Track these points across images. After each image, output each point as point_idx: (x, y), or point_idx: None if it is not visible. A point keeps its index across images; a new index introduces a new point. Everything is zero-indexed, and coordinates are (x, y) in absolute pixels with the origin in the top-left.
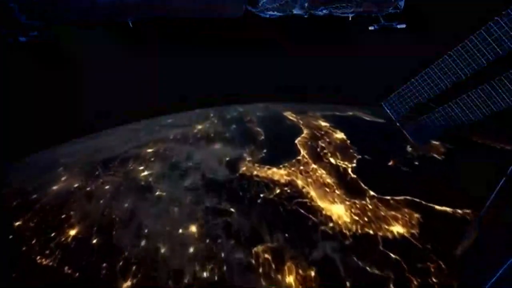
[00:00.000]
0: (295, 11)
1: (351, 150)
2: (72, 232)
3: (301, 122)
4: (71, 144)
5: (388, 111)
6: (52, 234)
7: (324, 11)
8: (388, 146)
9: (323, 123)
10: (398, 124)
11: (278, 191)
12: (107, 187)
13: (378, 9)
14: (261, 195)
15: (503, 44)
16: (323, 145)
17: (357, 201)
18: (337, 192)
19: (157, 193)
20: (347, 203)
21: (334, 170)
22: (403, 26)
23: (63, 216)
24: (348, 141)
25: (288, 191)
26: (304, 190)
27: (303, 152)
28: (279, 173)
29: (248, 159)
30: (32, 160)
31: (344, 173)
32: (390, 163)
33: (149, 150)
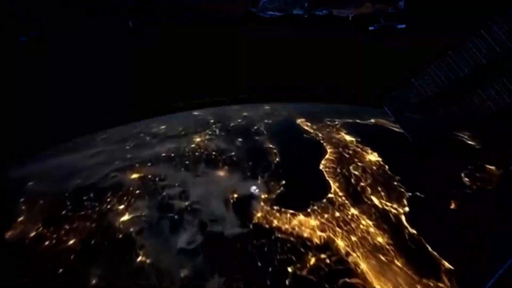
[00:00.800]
0: (295, 11)
1: (395, 182)
2: None
3: (321, 135)
4: (47, 157)
5: (388, 110)
6: None
7: (324, 11)
8: (437, 173)
9: (348, 137)
10: (397, 124)
11: (313, 261)
12: (72, 241)
13: (378, 9)
14: (290, 270)
15: (503, 44)
16: (356, 172)
17: (431, 284)
18: (397, 262)
19: (138, 258)
20: (419, 287)
21: (383, 219)
22: (403, 26)
23: None
24: (387, 167)
25: (328, 261)
26: (350, 258)
27: (334, 185)
28: (309, 224)
29: (263, 196)
30: None
31: (398, 225)
32: (452, 206)
33: (134, 176)
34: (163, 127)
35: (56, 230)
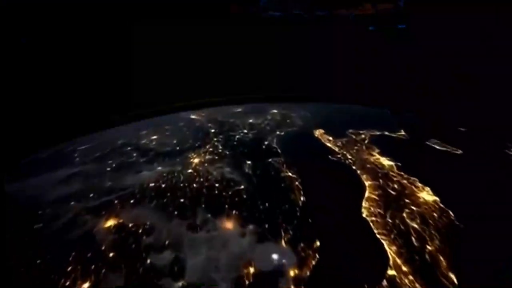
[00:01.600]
0: (295, 11)
1: (471, 244)
2: None
3: (350, 156)
4: (11, 178)
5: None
6: None
7: (324, 11)
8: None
9: (384, 160)
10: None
11: None
12: None
13: (378, 9)
14: None
15: None
16: (415, 225)
17: None
18: None
19: None
20: None
21: None
22: (403, 26)
23: None
24: (451, 214)
25: None
26: None
27: (390, 249)
28: None
29: (291, 272)
30: None
31: None
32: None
33: (110, 224)
34: (154, 137)
35: None
